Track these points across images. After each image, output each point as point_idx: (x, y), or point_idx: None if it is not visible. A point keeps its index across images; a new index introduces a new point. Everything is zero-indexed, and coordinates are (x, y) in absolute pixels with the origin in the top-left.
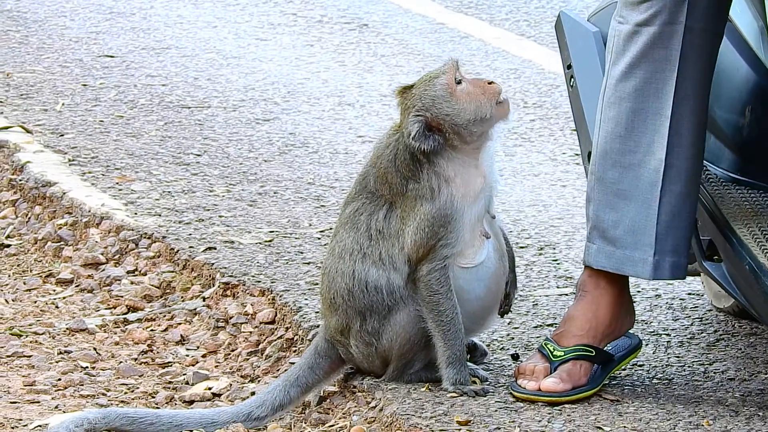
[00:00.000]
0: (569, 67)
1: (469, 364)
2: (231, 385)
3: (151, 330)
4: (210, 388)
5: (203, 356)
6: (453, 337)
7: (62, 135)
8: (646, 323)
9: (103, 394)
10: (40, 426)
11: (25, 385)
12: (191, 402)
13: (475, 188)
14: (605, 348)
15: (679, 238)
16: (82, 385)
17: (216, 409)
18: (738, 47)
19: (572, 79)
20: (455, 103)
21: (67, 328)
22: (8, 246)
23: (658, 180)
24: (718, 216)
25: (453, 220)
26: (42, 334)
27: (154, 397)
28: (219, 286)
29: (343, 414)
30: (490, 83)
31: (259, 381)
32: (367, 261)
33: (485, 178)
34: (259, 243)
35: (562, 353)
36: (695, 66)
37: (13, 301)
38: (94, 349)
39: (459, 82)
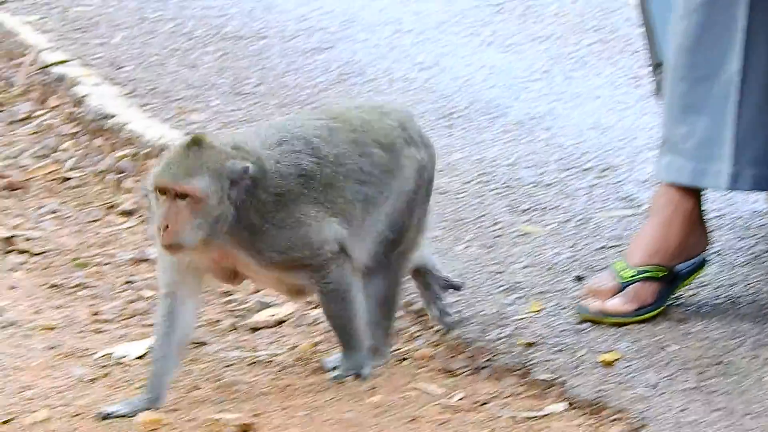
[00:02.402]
0: None
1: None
2: (294, 312)
3: None
4: (274, 315)
5: None
6: None
7: (120, 68)
8: (709, 243)
9: None
10: (106, 354)
11: (91, 315)
12: (255, 329)
13: None
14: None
15: (760, 150)
16: (147, 314)
17: None
18: None
19: None
20: None
21: (130, 258)
22: (70, 179)
23: (730, 92)
24: None
25: (160, 256)
26: (106, 264)
27: (218, 325)
28: None
29: (409, 338)
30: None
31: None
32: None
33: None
34: None
35: (632, 273)
36: None
37: (76, 232)
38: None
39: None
